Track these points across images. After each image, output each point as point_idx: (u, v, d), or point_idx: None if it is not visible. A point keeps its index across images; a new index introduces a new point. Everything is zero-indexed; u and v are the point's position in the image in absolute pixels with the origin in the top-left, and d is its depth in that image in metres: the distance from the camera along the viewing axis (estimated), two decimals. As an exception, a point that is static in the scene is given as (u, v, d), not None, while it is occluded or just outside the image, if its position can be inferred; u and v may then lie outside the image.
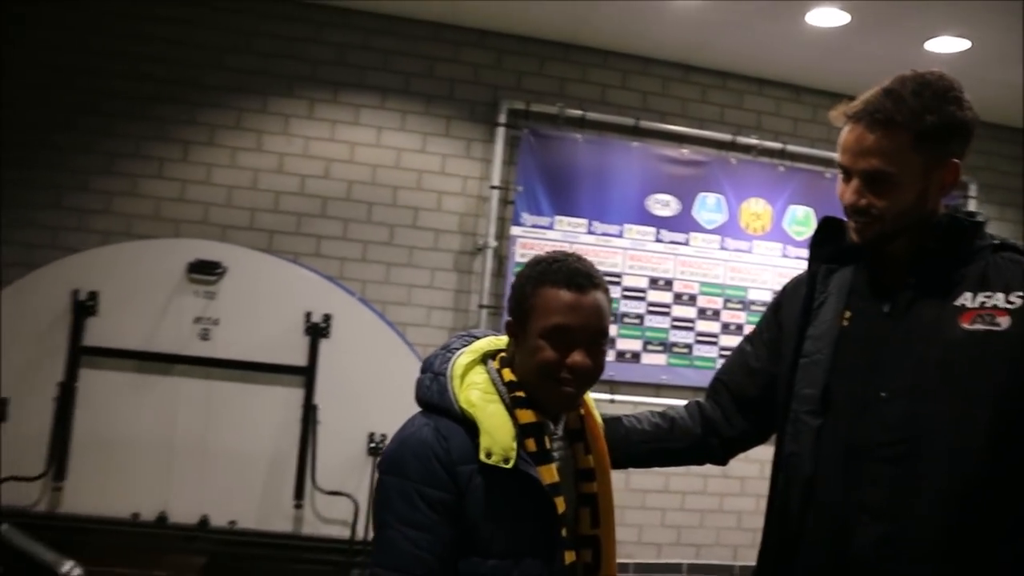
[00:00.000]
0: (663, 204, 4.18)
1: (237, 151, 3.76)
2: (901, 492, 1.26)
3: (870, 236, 1.35)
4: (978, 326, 1.27)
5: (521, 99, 4.00)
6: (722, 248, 4.24)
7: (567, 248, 3.91)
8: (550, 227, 4.03)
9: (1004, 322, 1.27)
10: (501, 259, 3.99)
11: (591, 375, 1.28)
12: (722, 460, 1.64)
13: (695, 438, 1.58)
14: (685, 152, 4.21)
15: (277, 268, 3.45)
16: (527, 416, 1.26)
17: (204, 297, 3.26)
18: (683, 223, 4.20)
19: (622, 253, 4.12)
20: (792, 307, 1.50)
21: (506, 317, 1.35)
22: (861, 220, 1.34)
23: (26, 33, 3.58)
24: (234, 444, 3.22)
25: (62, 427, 3.18)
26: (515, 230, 3.98)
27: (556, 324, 1.24)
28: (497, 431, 1.22)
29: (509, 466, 1.20)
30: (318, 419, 3.27)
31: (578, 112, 4.04)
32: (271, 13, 3.79)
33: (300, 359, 3.30)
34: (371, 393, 3.38)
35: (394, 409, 3.62)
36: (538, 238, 4.00)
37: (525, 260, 3.90)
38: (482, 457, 1.20)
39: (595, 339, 1.27)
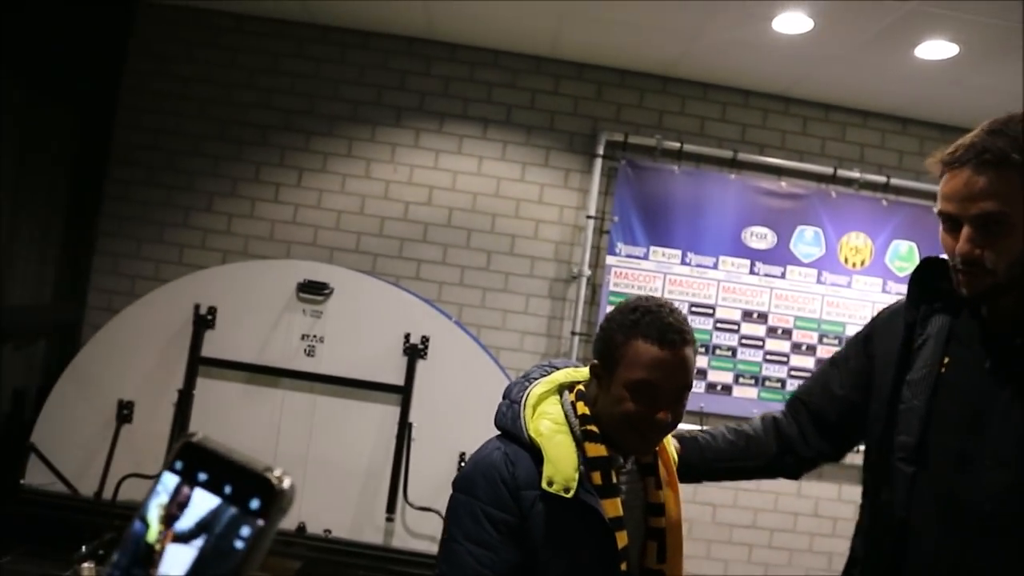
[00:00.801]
0: (759, 237, 4.15)
1: (347, 178, 3.98)
2: (992, 561, 1.23)
3: (982, 289, 1.28)
4: None
5: (619, 131, 4.08)
6: (819, 282, 4.17)
7: (661, 279, 4.01)
8: (645, 257, 4.07)
9: None
10: (595, 288, 4.05)
11: (670, 429, 1.32)
12: (795, 476, 1.66)
13: (770, 456, 1.59)
14: (783, 185, 4.17)
15: (380, 290, 3.62)
16: (596, 450, 1.29)
17: (311, 315, 3.45)
18: (779, 256, 4.16)
19: (716, 285, 4.11)
20: (886, 343, 1.45)
21: (592, 358, 1.37)
22: (972, 271, 1.27)
23: (163, 67, 3.92)
24: (333, 456, 3.39)
25: (180, 430, 3.42)
26: (610, 259, 4.04)
27: (645, 380, 1.26)
28: (561, 461, 1.25)
29: (568, 496, 1.23)
30: (413, 436, 3.39)
31: (676, 144, 4.07)
32: (383, 47, 4.01)
33: (398, 378, 3.44)
34: (464, 414, 3.49)
35: (485, 430, 3.72)
36: (632, 268, 4.05)
37: (619, 289, 4.00)
38: (544, 485, 1.24)
39: (680, 396, 1.30)
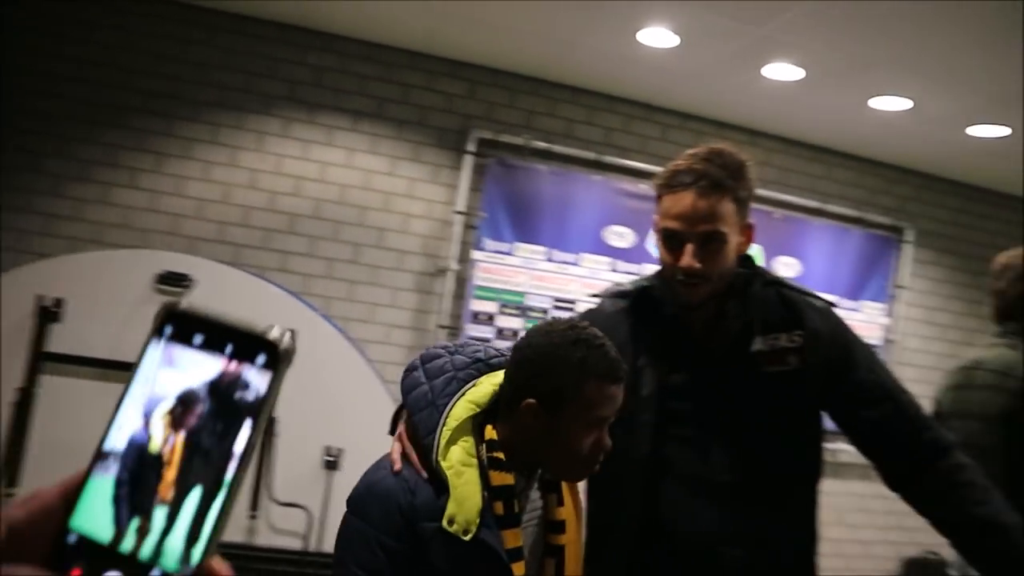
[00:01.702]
0: (620, 236, 4.35)
1: (211, 165, 3.83)
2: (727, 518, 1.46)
3: (701, 296, 1.46)
4: (775, 368, 1.47)
5: (490, 129, 4.15)
6: (675, 281, 4.42)
7: (526, 274, 4.13)
8: (510, 253, 4.17)
9: (793, 361, 1.48)
10: (461, 282, 4.12)
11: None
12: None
13: None
14: (643, 187, 4.39)
15: (244, 282, 3.53)
16: (502, 479, 1.25)
17: (171, 308, 3.32)
18: (638, 255, 4.37)
19: (578, 281, 4.28)
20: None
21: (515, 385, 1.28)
22: (693, 281, 1.44)
23: (11, 37, 3.61)
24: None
25: (18, 433, 3.21)
26: (477, 254, 4.12)
27: (605, 416, 1.25)
28: (466, 501, 1.20)
29: (467, 539, 1.18)
30: (277, 432, 3.34)
31: (544, 144, 4.20)
32: (255, 32, 3.88)
33: (262, 373, 3.38)
34: (330, 408, 3.47)
35: (352, 424, 3.75)
36: (499, 263, 4.14)
37: (485, 283, 4.08)
38: (444, 523, 1.19)
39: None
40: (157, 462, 0.40)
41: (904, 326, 4.82)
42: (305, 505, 3.38)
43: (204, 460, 0.39)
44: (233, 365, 0.40)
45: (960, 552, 1.61)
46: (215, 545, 0.37)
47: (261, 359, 0.39)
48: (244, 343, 0.40)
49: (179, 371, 0.41)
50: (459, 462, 1.23)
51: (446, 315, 4.06)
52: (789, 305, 1.53)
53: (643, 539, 1.48)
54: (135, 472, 0.40)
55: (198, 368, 0.40)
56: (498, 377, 1.33)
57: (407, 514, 1.21)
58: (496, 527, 1.22)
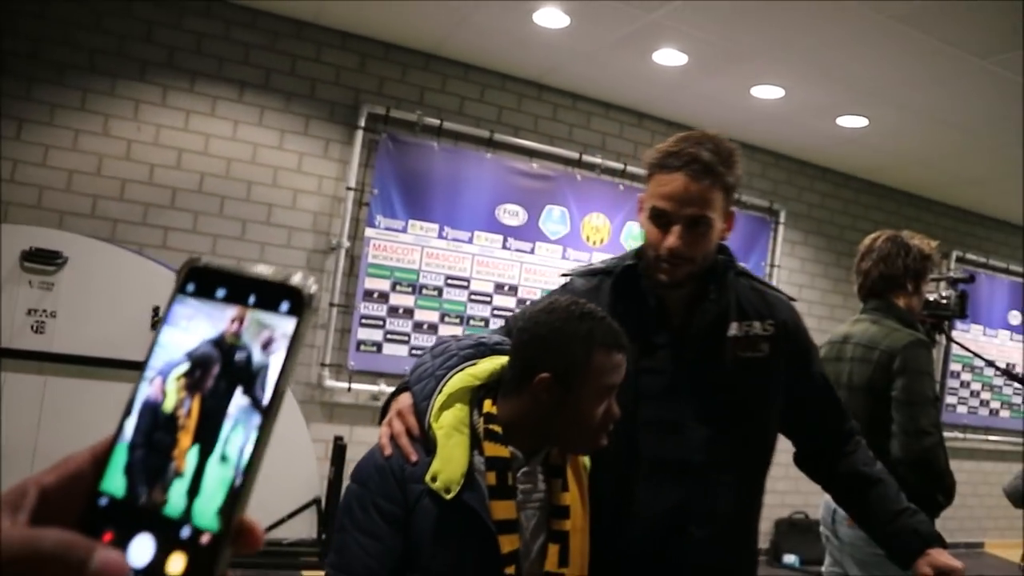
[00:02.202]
0: (512, 214, 4.40)
1: (80, 133, 3.58)
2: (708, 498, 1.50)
3: (681, 276, 1.48)
4: (748, 354, 1.52)
5: (381, 104, 4.08)
6: (564, 258, 4.52)
7: (419, 251, 4.11)
8: (403, 230, 4.14)
9: (765, 348, 1.53)
10: (354, 259, 4.05)
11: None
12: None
13: None
14: (535, 166, 4.44)
15: (122, 259, 3.35)
16: (495, 450, 1.28)
17: (40, 288, 3.12)
18: (530, 233, 4.44)
19: (471, 259, 4.30)
20: None
21: (541, 372, 1.29)
22: (676, 262, 1.46)
23: None
24: (68, 445, 3.09)
25: None
26: (369, 231, 4.06)
27: (615, 384, 1.31)
28: (450, 462, 1.24)
29: (448, 497, 1.22)
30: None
31: (436, 121, 4.17)
32: (124, -7, 3.64)
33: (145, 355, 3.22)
34: (218, 391, 3.36)
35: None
36: (391, 240, 4.10)
37: (378, 261, 4.04)
38: (427, 479, 1.23)
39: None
40: (171, 422, 0.40)
41: (775, 302, 5.12)
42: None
43: (228, 412, 0.39)
44: (252, 315, 0.40)
45: (843, 504, 1.76)
46: (246, 499, 0.38)
47: (285, 306, 0.40)
48: (266, 293, 0.40)
49: (202, 326, 0.41)
50: (449, 425, 1.28)
51: (338, 293, 3.99)
52: (761, 295, 1.58)
53: (614, 517, 1.48)
54: (154, 432, 0.40)
55: (220, 322, 0.40)
56: (501, 359, 1.38)
57: (399, 477, 1.26)
58: (485, 494, 1.24)
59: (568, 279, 1.68)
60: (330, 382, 3.96)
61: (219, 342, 0.40)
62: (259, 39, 3.88)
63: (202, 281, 0.42)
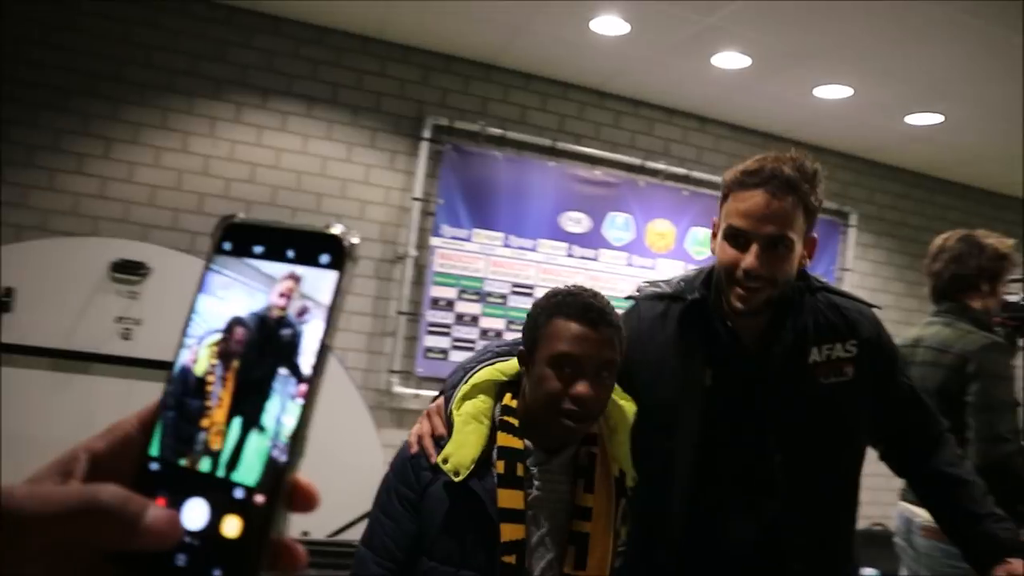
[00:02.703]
0: (575, 221, 4.42)
1: (161, 151, 3.77)
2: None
3: (758, 302, 1.39)
4: (832, 379, 1.44)
5: (445, 115, 4.16)
6: (628, 264, 4.52)
7: (484, 260, 4.17)
8: (468, 239, 4.21)
9: (849, 371, 1.45)
10: (420, 268, 4.14)
11: (593, 406, 1.30)
12: None
13: None
14: (597, 174, 4.46)
15: (201, 270, 3.48)
16: (508, 440, 1.31)
17: (127, 296, 3.28)
18: (593, 240, 4.45)
19: (535, 266, 4.33)
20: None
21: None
22: (753, 285, 1.37)
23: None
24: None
25: (-29, 423, 3.14)
26: (435, 241, 4.14)
27: (562, 352, 1.28)
28: (462, 447, 1.30)
29: (456, 479, 1.28)
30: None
31: (499, 131, 4.23)
32: (201, 15, 3.81)
33: (221, 360, 3.36)
34: (291, 395, 3.47)
35: (316, 409, 3.73)
36: (456, 249, 4.17)
37: (444, 269, 4.11)
38: (438, 459, 1.31)
39: (599, 371, 1.30)
40: (204, 388, 0.39)
41: (847, 306, 5.00)
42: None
43: (275, 372, 0.38)
44: (300, 267, 0.39)
45: (925, 503, 1.70)
46: (298, 460, 0.37)
47: (325, 258, 0.38)
48: (305, 245, 0.39)
49: (238, 293, 0.40)
50: (468, 414, 1.35)
51: (405, 301, 4.08)
52: (841, 312, 1.49)
53: (687, 542, 1.44)
54: (192, 406, 0.39)
55: (256, 282, 0.39)
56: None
57: (416, 465, 1.35)
58: (493, 482, 1.29)
59: (634, 302, 1.64)
60: (398, 388, 4.05)
61: (262, 316, 0.39)
62: (326, 55, 4.01)
63: (239, 238, 0.41)
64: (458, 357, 4.18)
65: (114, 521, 0.34)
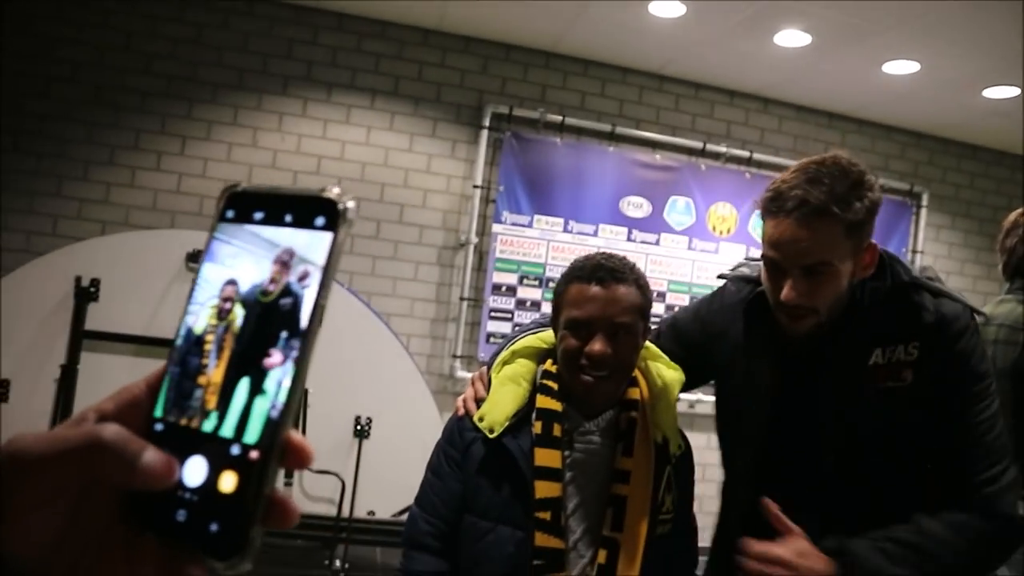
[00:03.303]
0: (636, 206, 4.41)
1: (233, 146, 3.93)
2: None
3: (805, 329, 1.35)
4: (889, 383, 1.35)
5: (504, 104, 4.21)
6: (690, 248, 4.49)
7: (545, 245, 4.21)
8: (529, 225, 4.25)
9: (908, 376, 1.34)
10: (482, 255, 4.20)
11: (608, 363, 1.32)
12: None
13: None
14: (658, 158, 4.44)
15: (271, 260, 3.63)
16: (546, 402, 1.37)
17: (202, 286, 3.43)
18: (654, 224, 4.44)
19: (596, 251, 4.34)
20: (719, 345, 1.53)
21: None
22: (796, 314, 1.33)
23: (31, 25, 3.71)
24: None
25: (63, 407, 3.35)
26: (496, 227, 4.20)
27: (575, 315, 1.34)
28: (497, 405, 1.38)
29: (491, 436, 1.35)
30: (308, 402, 3.46)
31: (558, 117, 4.25)
32: (269, 15, 3.95)
33: (291, 346, 3.49)
34: (358, 379, 3.59)
35: (379, 394, 3.86)
36: (517, 235, 4.22)
37: (505, 256, 4.17)
38: (475, 418, 1.38)
39: (612, 329, 1.32)
40: (204, 345, 0.41)
41: (920, 289, 4.85)
42: (337, 472, 3.50)
43: (272, 332, 0.39)
44: (296, 229, 0.40)
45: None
46: (290, 416, 0.38)
47: (320, 221, 0.40)
48: (302, 209, 0.40)
49: (239, 252, 0.41)
50: (506, 376, 1.42)
51: (468, 287, 4.15)
52: (919, 312, 1.36)
53: (754, 529, 1.36)
54: (191, 364, 0.41)
55: (256, 248, 0.41)
56: None
57: (461, 426, 1.43)
58: (530, 442, 1.34)
59: (723, 282, 1.61)
60: (461, 373, 4.13)
61: (259, 284, 0.40)
62: (388, 49, 4.11)
63: (241, 206, 0.42)
64: (511, 332, 4.23)
65: (114, 458, 0.36)
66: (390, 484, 3.51)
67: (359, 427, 3.55)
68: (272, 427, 0.38)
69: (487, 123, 4.19)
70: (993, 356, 2.32)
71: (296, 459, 0.39)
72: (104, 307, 3.42)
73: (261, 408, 0.38)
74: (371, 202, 4.09)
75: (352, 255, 4.04)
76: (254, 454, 0.38)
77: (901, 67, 3.87)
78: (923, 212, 4.87)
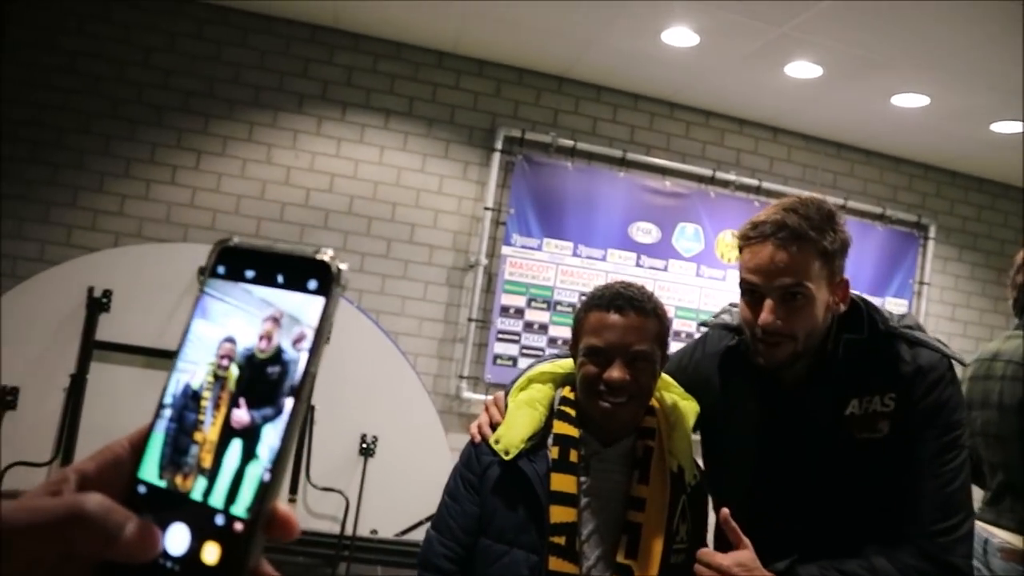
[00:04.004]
0: (645, 232, 4.44)
1: (247, 162, 3.97)
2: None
3: (783, 357, 1.36)
4: (864, 435, 1.36)
5: (517, 127, 4.25)
6: (698, 275, 4.51)
7: (554, 269, 4.23)
8: (538, 248, 4.27)
9: (884, 427, 1.36)
10: (491, 276, 4.22)
11: (626, 389, 1.34)
12: None
13: None
14: (667, 184, 4.47)
15: (281, 275, 3.65)
16: (562, 428, 1.39)
17: (213, 300, 3.45)
18: (663, 250, 4.46)
19: (604, 276, 4.36)
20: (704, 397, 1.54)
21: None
22: (773, 340, 1.34)
23: (54, 39, 3.77)
24: (234, 439, 3.41)
25: (71, 416, 3.36)
26: (505, 249, 4.22)
27: (593, 343, 1.36)
28: (513, 428, 1.40)
29: (507, 458, 1.37)
30: (315, 419, 3.46)
31: (570, 142, 4.29)
32: (287, 34, 4.01)
33: (300, 362, 3.50)
34: (365, 397, 3.59)
35: (385, 412, 3.86)
36: (527, 258, 4.24)
37: (514, 278, 4.20)
38: (491, 441, 1.41)
39: (631, 356, 1.34)
40: (200, 414, 0.40)
41: (927, 322, 4.86)
42: (341, 490, 3.50)
43: (260, 399, 0.38)
44: (288, 292, 0.39)
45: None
46: (277, 488, 0.37)
47: (313, 284, 0.39)
48: (294, 270, 0.40)
49: (231, 311, 0.40)
50: (523, 400, 1.44)
51: (476, 308, 4.16)
52: (897, 362, 1.38)
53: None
54: (185, 423, 0.40)
55: (249, 306, 0.40)
56: None
57: (479, 451, 1.44)
58: (547, 466, 1.36)
59: (706, 329, 1.65)
60: (468, 394, 4.13)
61: (247, 330, 0.40)
62: (403, 70, 4.16)
63: (233, 262, 0.41)
64: (526, 364, 4.23)
65: (96, 530, 0.35)
66: (394, 503, 3.51)
67: (364, 445, 3.55)
68: (260, 498, 0.37)
69: (499, 146, 4.23)
70: (1000, 392, 2.32)
71: (281, 531, 0.38)
72: (115, 318, 3.44)
73: (246, 478, 0.37)
74: (382, 221, 4.12)
75: (362, 273, 4.06)
76: (239, 526, 0.37)
77: (910, 100, 3.91)
78: (930, 244, 4.89)
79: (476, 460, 1.44)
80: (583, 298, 1.46)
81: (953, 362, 1.42)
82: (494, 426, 1.46)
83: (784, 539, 1.36)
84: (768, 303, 1.33)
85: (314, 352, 0.38)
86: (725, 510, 1.30)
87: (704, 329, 1.68)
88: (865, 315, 1.41)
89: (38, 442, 3.35)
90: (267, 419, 0.38)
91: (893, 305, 4.78)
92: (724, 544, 1.43)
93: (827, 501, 1.39)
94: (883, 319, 1.42)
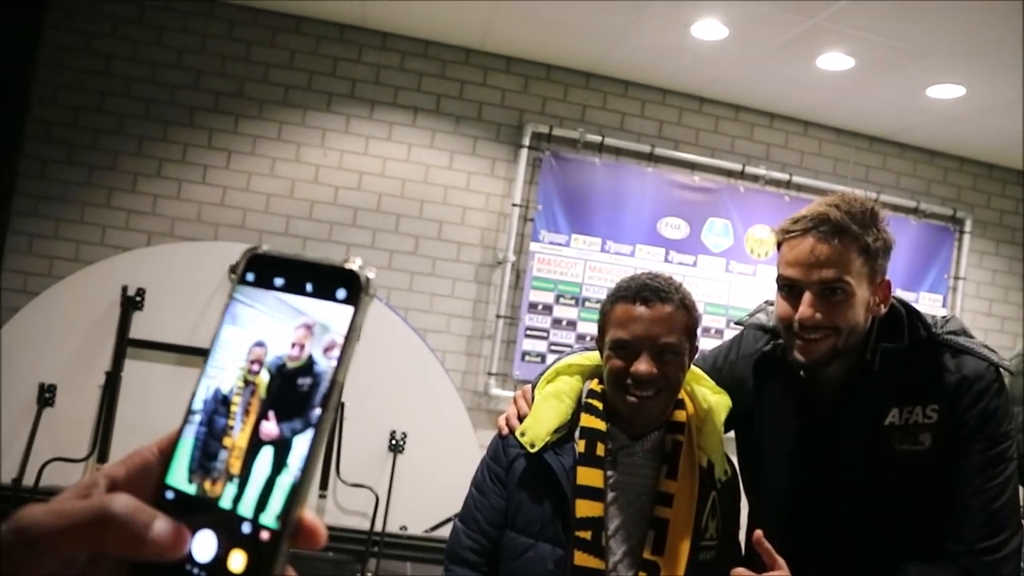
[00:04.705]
0: (674, 227, 4.41)
1: (277, 161, 4.00)
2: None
3: (821, 353, 1.31)
4: (905, 447, 1.32)
5: (544, 123, 4.24)
6: (727, 271, 4.47)
7: (582, 265, 4.21)
8: (566, 244, 4.26)
9: (926, 440, 1.32)
10: (519, 273, 4.22)
11: (653, 383, 1.32)
12: None
13: None
14: (696, 179, 4.44)
15: (311, 273, 3.68)
16: (590, 421, 1.37)
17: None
18: (692, 246, 4.43)
19: (633, 272, 4.33)
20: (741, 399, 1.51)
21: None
22: (813, 336, 1.30)
23: (88, 43, 3.83)
24: (266, 435, 3.45)
25: (107, 413, 3.41)
26: (533, 246, 4.21)
27: (619, 337, 1.33)
28: (539, 421, 1.39)
29: (532, 451, 1.36)
30: (345, 415, 3.48)
31: (597, 137, 4.27)
32: (315, 33, 4.04)
33: (330, 359, 3.52)
34: (394, 393, 3.61)
35: (414, 408, 3.87)
36: (555, 254, 4.23)
37: (542, 274, 4.19)
38: (517, 433, 1.40)
39: (658, 349, 1.32)
40: (229, 420, 0.40)
41: (962, 317, 4.77)
42: (371, 486, 3.52)
43: (290, 412, 0.39)
44: (317, 301, 0.39)
45: None
46: (304, 497, 0.38)
47: (342, 293, 0.39)
48: (323, 279, 0.40)
49: (262, 317, 0.41)
50: (550, 393, 1.43)
51: (504, 305, 4.16)
52: (941, 371, 1.33)
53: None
54: (214, 429, 0.40)
55: (280, 313, 0.40)
56: None
57: (506, 444, 1.44)
58: (573, 459, 1.35)
59: (741, 328, 1.64)
60: (496, 390, 4.13)
61: (277, 336, 0.40)
62: (430, 68, 4.17)
63: (262, 269, 0.41)
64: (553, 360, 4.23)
65: (124, 530, 0.35)
66: (423, 500, 3.52)
67: (394, 442, 3.57)
68: (288, 507, 0.37)
69: (527, 142, 4.22)
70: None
71: (307, 540, 0.38)
72: (149, 316, 3.49)
73: (280, 484, 0.38)
74: (410, 218, 4.13)
75: (390, 270, 4.08)
76: (265, 535, 0.37)
77: (946, 91, 3.84)
78: (966, 238, 4.80)
79: (503, 453, 1.43)
80: (610, 291, 1.43)
81: (1001, 370, 1.36)
82: (521, 418, 1.44)
83: (819, 552, 1.34)
84: (807, 296, 1.29)
85: (342, 361, 0.39)
86: (758, 532, 1.26)
87: (738, 328, 1.66)
88: (906, 322, 1.37)
89: (75, 438, 3.41)
90: (296, 432, 0.38)
91: (928, 301, 4.70)
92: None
93: (865, 515, 1.35)
94: (925, 326, 1.37)
